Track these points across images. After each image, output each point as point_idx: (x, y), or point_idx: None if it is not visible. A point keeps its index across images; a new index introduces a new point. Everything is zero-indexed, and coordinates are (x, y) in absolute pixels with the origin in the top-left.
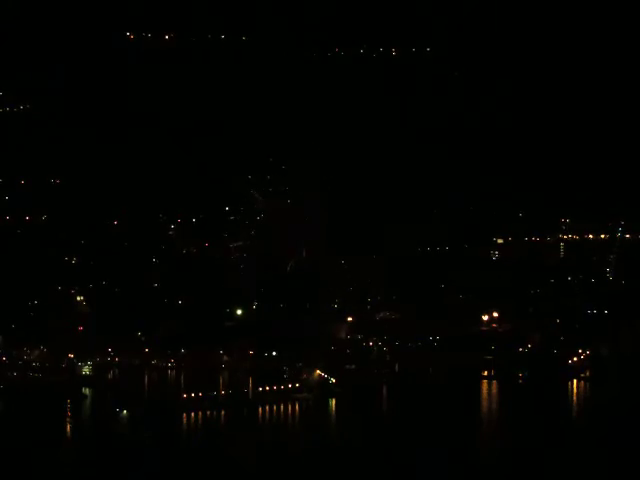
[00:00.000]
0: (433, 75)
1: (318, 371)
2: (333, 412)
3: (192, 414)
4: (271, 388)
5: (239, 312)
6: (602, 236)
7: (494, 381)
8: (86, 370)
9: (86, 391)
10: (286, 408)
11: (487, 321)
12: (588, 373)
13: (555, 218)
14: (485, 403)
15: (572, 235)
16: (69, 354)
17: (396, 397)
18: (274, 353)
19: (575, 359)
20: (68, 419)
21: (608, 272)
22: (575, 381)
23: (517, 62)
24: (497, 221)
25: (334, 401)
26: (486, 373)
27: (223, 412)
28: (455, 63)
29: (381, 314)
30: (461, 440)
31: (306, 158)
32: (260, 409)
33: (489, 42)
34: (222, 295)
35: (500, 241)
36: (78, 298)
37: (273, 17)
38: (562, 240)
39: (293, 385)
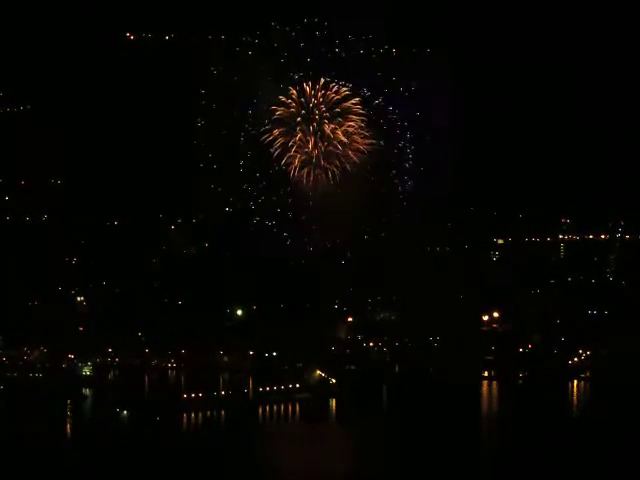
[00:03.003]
0: (427, 72)
1: (318, 371)
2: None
3: (192, 414)
4: (271, 388)
5: (239, 312)
6: (602, 236)
7: (494, 381)
8: (86, 370)
9: (86, 391)
10: (287, 408)
11: (487, 321)
12: (588, 373)
13: (555, 218)
14: (485, 403)
15: (572, 235)
16: (69, 354)
17: (396, 397)
18: (274, 353)
19: (575, 359)
20: (68, 419)
21: (608, 272)
22: (575, 381)
23: (518, 61)
24: (497, 221)
25: (334, 401)
26: (486, 373)
27: (223, 412)
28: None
29: (381, 314)
30: (461, 440)
31: None
32: (260, 409)
33: (488, 38)
34: (222, 295)
35: (500, 241)
36: (78, 298)
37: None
38: (562, 240)
39: (293, 385)
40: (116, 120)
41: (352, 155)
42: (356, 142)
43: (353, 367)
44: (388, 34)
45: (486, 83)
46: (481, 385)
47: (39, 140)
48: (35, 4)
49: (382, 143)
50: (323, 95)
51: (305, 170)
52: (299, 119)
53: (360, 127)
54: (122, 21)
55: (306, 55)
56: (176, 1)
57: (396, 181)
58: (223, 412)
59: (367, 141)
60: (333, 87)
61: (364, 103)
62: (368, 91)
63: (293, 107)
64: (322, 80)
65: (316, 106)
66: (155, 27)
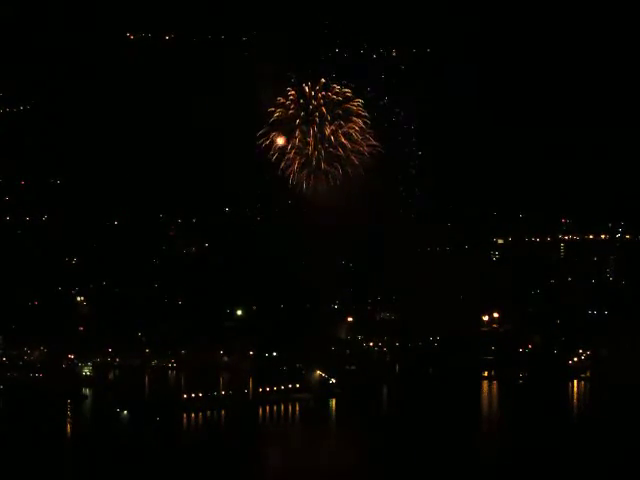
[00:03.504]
0: (425, 72)
1: (318, 371)
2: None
3: (192, 414)
4: (271, 388)
5: (239, 312)
6: (602, 236)
7: (494, 381)
8: (86, 370)
9: (86, 391)
10: (287, 408)
11: (487, 321)
12: (588, 373)
13: (555, 218)
14: (485, 403)
15: (572, 235)
16: (69, 354)
17: (396, 397)
18: (274, 353)
19: (575, 359)
20: (68, 419)
21: (608, 272)
22: (575, 381)
23: (518, 61)
24: (497, 221)
25: (334, 401)
26: (486, 374)
27: (223, 412)
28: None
29: (381, 314)
30: (461, 440)
31: None
32: (260, 409)
33: (489, 38)
34: (222, 295)
35: (500, 241)
36: (78, 298)
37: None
38: (562, 240)
39: (293, 385)
40: (116, 120)
41: (353, 157)
42: (357, 144)
43: (353, 367)
44: (388, 34)
45: (486, 83)
46: (481, 385)
47: (39, 140)
48: (36, 4)
49: (383, 145)
50: (324, 96)
51: (304, 172)
52: (298, 121)
53: (362, 129)
54: (122, 21)
55: (306, 55)
56: (176, 1)
57: (397, 179)
58: (223, 412)
59: (368, 143)
60: (334, 88)
61: (366, 104)
62: (371, 92)
63: (292, 109)
64: (322, 81)
65: (316, 108)
66: (155, 27)
